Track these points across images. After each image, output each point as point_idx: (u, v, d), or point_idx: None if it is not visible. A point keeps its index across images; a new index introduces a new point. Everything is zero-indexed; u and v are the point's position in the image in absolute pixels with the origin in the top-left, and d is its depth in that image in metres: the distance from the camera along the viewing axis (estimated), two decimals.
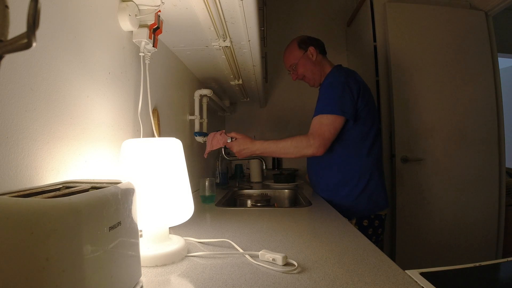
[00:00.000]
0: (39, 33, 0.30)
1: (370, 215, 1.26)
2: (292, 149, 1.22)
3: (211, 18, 0.90)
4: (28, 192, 0.36)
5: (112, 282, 0.37)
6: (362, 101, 1.24)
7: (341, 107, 1.20)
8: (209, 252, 0.67)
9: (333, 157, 1.29)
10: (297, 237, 0.78)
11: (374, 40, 1.98)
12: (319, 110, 1.24)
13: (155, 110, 0.99)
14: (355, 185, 1.26)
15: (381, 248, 0.71)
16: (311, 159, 1.43)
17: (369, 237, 1.26)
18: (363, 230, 1.24)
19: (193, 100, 1.48)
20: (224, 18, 0.92)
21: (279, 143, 1.25)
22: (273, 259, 0.60)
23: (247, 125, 2.56)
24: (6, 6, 0.23)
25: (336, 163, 1.29)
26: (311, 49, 1.37)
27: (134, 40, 0.83)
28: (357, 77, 1.30)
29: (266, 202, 1.45)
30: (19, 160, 0.45)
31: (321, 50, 1.41)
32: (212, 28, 0.98)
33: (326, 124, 1.20)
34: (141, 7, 0.82)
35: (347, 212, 1.22)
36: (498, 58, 1.99)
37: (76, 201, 0.32)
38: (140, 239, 0.54)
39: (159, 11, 0.84)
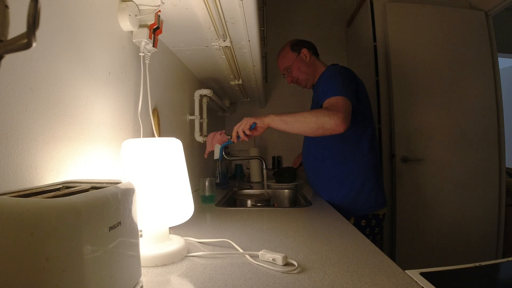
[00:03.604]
0: (39, 33, 0.30)
1: (367, 214, 1.27)
2: (313, 118, 1.08)
3: (211, 18, 0.90)
4: (28, 192, 0.36)
5: (112, 282, 0.37)
6: (359, 96, 1.23)
7: (347, 92, 1.15)
8: (209, 252, 0.67)
9: (329, 155, 1.29)
10: (297, 237, 0.78)
11: (374, 40, 1.98)
12: (328, 94, 1.16)
13: (155, 110, 0.99)
14: (352, 184, 1.26)
15: (380, 248, 0.70)
16: (307, 159, 1.42)
17: (366, 236, 1.26)
18: (360, 229, 1.24)
19: (193, 100, 1.48)
20: (224, 18, 0.92)
21: (297, 113, 1.12)
22: (273, 259, 0.60)
23: None
24: (6, 6, 0.23)
25: (332, 162, 1.29)
26: (304, 50, 1.37)
27: (134, 40, 0.83)
28: (354, 73, 1.29)
29: (266, 202, 1.45)
30: (19, 160, 0.45)
31: (314, 51, 1.41)
32: (212, 28, 0.98)
33: (342, 101, 1.11)
34: (141, 7, 0.82)
35: (345, 211, 1.21)
36: (498, 58, 1.99)
37: (76, 201, 0.32)
38: (140, 239, 0.54)
39: (159, 11, 0.84)
